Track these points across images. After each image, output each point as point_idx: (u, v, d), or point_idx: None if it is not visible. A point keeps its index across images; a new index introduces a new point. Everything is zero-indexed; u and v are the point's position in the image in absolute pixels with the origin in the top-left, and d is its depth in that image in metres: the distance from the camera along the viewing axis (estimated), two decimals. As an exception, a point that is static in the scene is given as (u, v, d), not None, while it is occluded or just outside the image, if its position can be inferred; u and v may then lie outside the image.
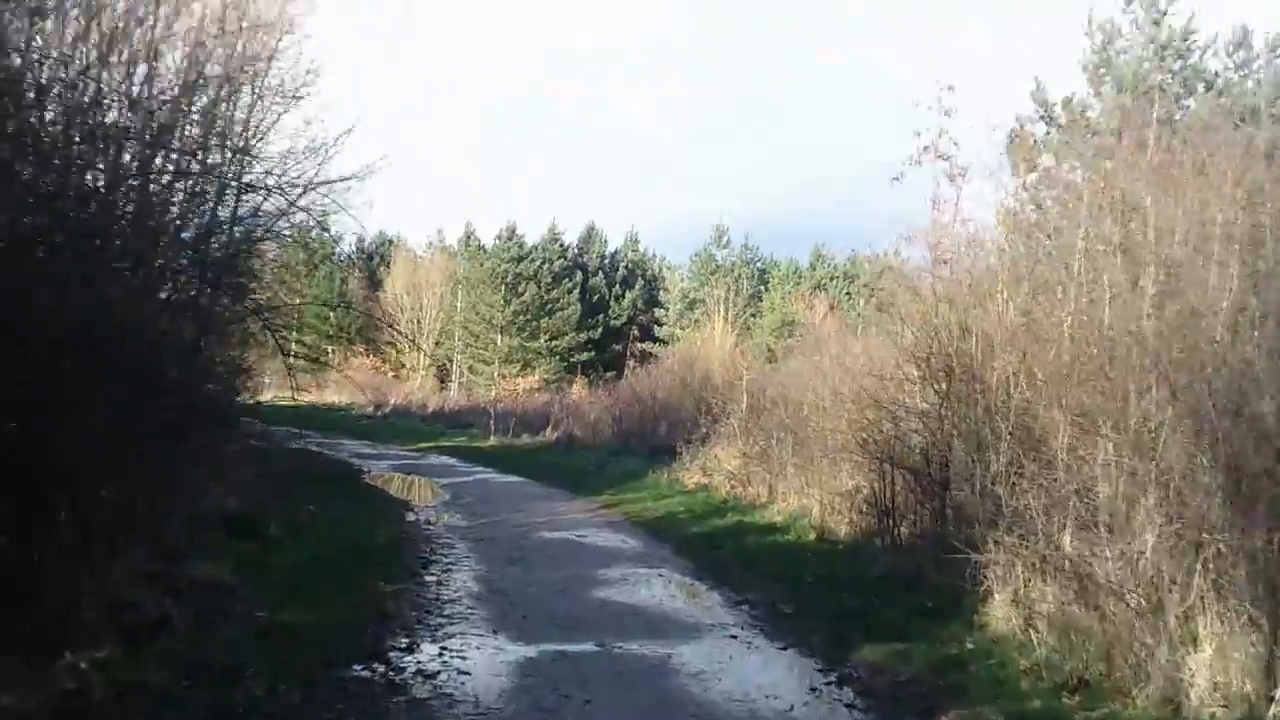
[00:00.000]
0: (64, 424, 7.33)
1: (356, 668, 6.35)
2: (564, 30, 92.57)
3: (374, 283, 64.10)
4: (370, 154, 14.62)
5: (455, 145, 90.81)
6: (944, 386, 9.05)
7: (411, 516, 13.73)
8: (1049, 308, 9.09)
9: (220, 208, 19.57)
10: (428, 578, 9.42)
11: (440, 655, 6.82)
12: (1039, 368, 8.48)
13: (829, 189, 77.48)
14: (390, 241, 67.76)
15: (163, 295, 11.20)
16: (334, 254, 65.01)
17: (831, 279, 53.78)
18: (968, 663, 6.90)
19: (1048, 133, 21.72)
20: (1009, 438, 7.91)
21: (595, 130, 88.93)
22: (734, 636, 7.80)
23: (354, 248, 67.17)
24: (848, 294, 48.71)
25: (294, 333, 60.34)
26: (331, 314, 62.70)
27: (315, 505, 12.50)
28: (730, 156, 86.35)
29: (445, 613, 8.06)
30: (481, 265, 56.87)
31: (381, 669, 6.40)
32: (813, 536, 12.02)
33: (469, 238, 62.99)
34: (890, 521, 10.67)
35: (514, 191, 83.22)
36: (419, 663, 6.62)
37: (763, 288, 53.97)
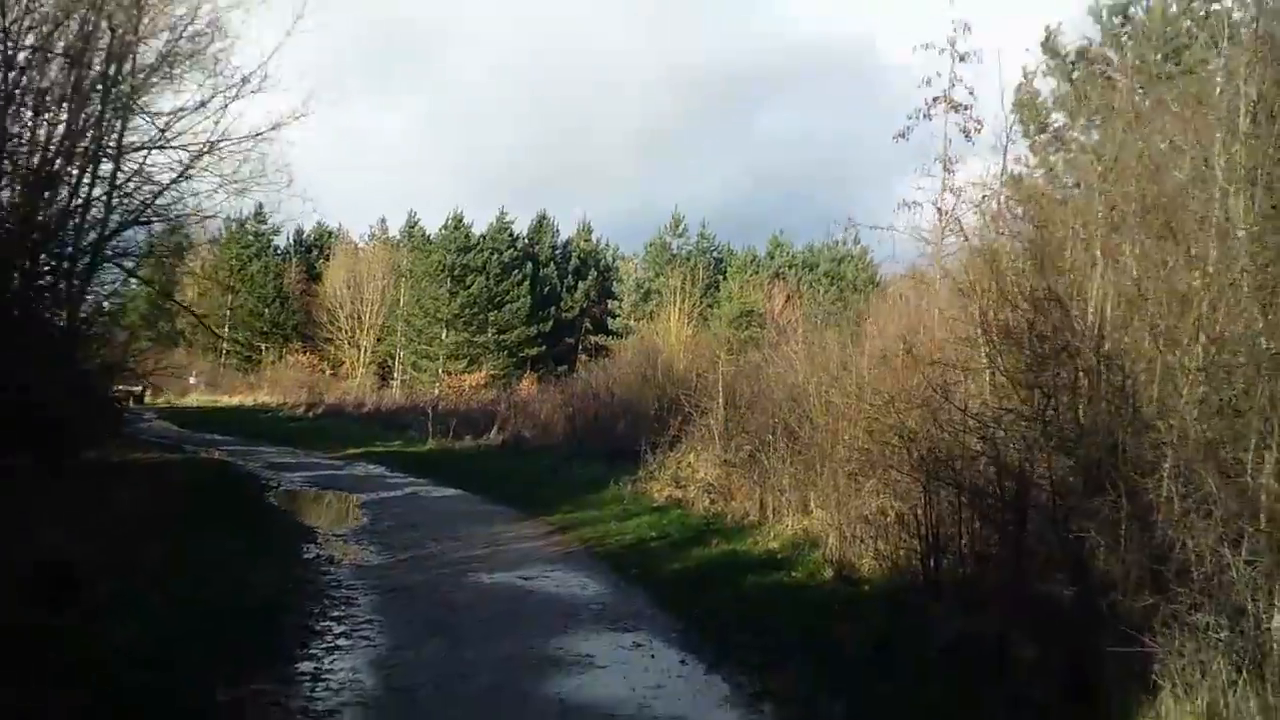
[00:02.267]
0: None
1: None
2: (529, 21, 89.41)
3: (312, 276, 60.69)
4: (283, 108, 11.66)
5: (404, 136, 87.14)
6: (1047, 377, 6.32)
7: (311, 552, 10.75)
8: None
9: (95, 175, 16.19)
10: (303, 666, 6.44)
11: None
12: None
13: (785, 181, 75.42)
14: (330, 233, 64.37)
15: None
16: (270, 246, 61.89)
17: (790, 267, 51.53)
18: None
19: (1054, 88, 19.26)
20: (1172, 453, 5.19)
21: (549, 121, 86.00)
22: (763, 770, 5.05)
23: (290, 239, 63.74)
24: (808, 283, 46.52)
25: (226, 329, 56.37)
26: (265, 310, 59.27)
27: (178, 543, 9.49)
28: (685, 148, 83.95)
29: (311, 745, 5.17)
30: (427, 257, 53.66)
31: None
32: (829, 574, 9.30)
33: (412, 228, 59.87)
34: (942, 561, 7.99)
35: (465, 184, 79.78)
36: None
37: (720, 277, 51.74)
